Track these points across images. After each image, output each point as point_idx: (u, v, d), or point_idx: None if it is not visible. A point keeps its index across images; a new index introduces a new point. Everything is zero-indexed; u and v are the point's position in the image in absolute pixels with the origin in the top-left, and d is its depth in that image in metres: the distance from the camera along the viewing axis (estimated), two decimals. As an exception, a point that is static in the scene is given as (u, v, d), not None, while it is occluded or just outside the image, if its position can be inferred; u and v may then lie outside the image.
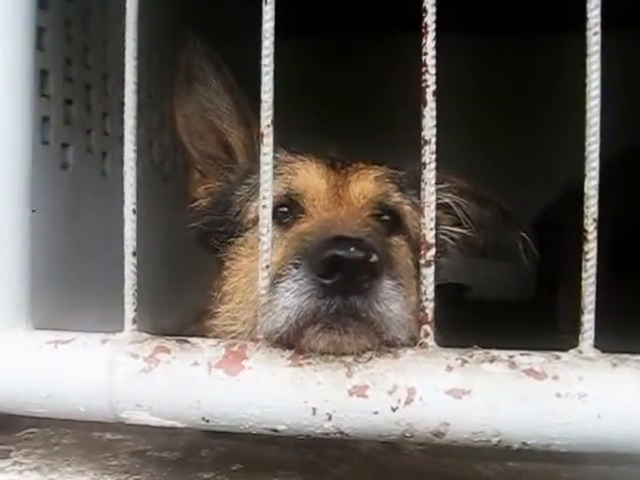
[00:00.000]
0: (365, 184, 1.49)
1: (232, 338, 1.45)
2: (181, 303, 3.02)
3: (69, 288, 2.21)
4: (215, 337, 1.50)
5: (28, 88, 1.29)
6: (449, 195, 1.59)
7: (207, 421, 1.13)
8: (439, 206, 1.55)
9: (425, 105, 1.10)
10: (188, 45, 1.54)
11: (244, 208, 1.55)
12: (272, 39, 1.14)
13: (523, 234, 1.55)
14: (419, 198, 1.21)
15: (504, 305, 4.27)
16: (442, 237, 1.60)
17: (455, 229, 1.62)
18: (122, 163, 2.55)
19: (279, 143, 1.60)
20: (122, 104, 2.58)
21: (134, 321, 1.20)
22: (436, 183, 1.52)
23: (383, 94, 4.65)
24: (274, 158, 1.51)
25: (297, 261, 1.11)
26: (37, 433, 1.51)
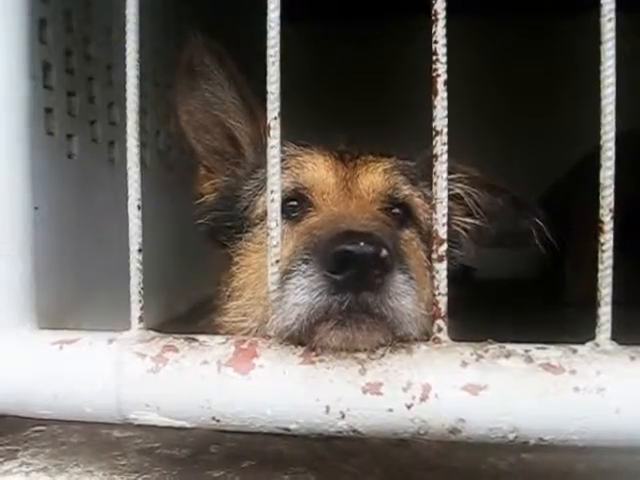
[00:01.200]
0: (374, 177, 1.46)
1: (243, 335, 1.43)
2: (189, 290, 3.05)
3: (79, 280, 2.22)
4: (225, 333, 1.49)
5: (27, 81, 1.26)
6: (460, 185, 1.57)
7: (217, 421, 1.11)
8: (450, 197, 1.53)
9: (436, 95, 1.07)
10: (189, 39, 1.50)
11: (252, 203, 1.53)
12: (278, 29, 1.11)
13: (537, 220, 1.52)
14: (430, 189, 1.18)
15: (511, 283, 4.26)
16: (455, 228, 1.58)
17: (467, 220, 1.59)
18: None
19: (285, 135, 1.58)
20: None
21: (141, 319, 1.18)
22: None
23: (389, 79, 4.62)
24: (281, 151, 1.49)
25: (307, 256, 1.08)
26: (44, 431, 1.49)
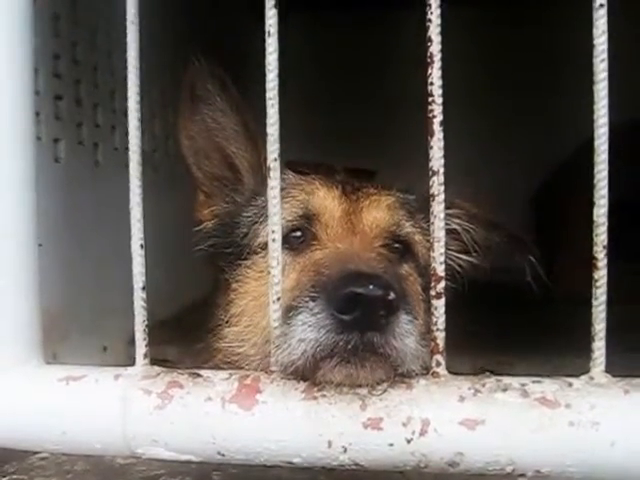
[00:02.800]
0: (378, 213, 1.48)
1: (240, 360, 1.46)
2: (175, 293, 3.06)
3: (65, 284, 2.22)
4: (223, 358, 1.51)
5: (33, 112, 1.29)
6: (457, 221, 1.59)
7: (223, 455, 1.14)
8: (447, 232, 1.56)
9: (432, 136, 1.10)
10: (192, 64, 1.51)
11: (252, 231, 1.53)
12: (276, 72, 1.13)
13: (531, 258, 1.54)
14: (428, 222, 1.20)
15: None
16: (450, 263, 1.60)
17: (463, 256, 1.61)
18: (114, 151, 2.56)
19: (285, 162, 1.60)
20: (113, 94, 2.56)
21: (145, 355, 1.21)
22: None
23: (390, 69, 4.65)
24: (282, 180, 1.51)
25: (314, 294, 1.11)
26: (49, 459, 1.51)
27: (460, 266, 1.62)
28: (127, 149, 2.86)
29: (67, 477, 1.43)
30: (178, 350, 2.55)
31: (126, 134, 2.87)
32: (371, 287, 1.02)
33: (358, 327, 1.06)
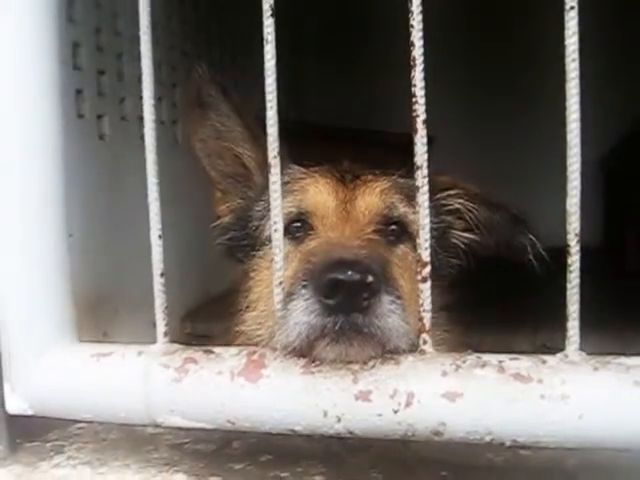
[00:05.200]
0: (371, 198, 1.57)
1: (258, 341, 1.59)
2: (224, 271, 3.15)
3: (113, 264, 2.29)
4: (244, 340, 1.64)
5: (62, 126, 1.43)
6: (460, 201, 1.66)
7: (232, 423, 1.27)
8: (450, 211, 1.66)
9: (416, 133, 1.19)
10: (194, 73, 1.64)
11: (262, 224, 1.66)
12: (274, 77, 1.24)
13: (532, 237, 1.60)
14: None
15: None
16: (453, 241, 1.68)
17: (465, 234, 1.69)
18: (161, 125, 2.58)
19: (291, 159, 1.71)
20: (159, 66, 2.54)
21: (165, 334, 1.35)
22: (446, 189, 1.62)
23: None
24: (287, 174, 1.63)
25: (305, 282, 1.23)
26: (86, 428, 1.68)
27: (464, 243, 1.70)
28: (174, 122, 2.90)
29: (102, 444, 1.60)
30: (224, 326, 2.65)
31: (173, 105, 2.89)
32: (350, 273, 1.13)
33: (343, 310, 1.17)
